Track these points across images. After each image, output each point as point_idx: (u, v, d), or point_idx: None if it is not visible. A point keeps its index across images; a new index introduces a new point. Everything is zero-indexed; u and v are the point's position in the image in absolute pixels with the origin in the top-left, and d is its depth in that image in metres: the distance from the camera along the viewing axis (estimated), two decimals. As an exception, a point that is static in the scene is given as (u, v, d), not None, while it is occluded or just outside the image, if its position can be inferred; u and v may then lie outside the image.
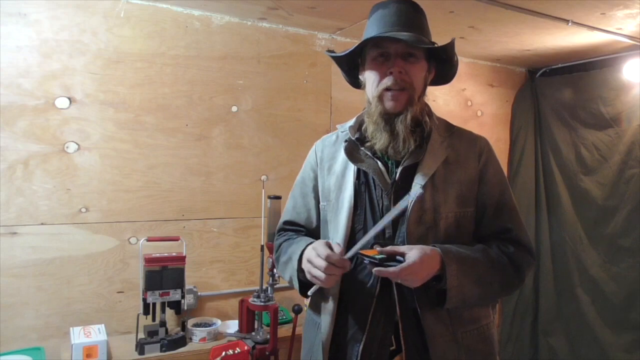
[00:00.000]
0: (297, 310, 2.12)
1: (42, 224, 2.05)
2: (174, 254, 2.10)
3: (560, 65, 3.29)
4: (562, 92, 3.28)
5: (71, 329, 1.96)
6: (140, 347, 1.96)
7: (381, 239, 1.25)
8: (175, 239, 2.19)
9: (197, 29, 2.36)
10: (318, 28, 2.63)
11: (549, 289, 3.33)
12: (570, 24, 2.36)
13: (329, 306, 1.28)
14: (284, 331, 2.17)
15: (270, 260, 2.03)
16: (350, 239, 1.26)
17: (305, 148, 2.72)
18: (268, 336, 1.98)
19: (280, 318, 2.20)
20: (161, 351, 1.98)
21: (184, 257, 2.10)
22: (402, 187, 1.24)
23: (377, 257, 1.13)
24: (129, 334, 2.12)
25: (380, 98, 1.25)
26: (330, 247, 1.19)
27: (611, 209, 3.01)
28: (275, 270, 2.01)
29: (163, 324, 2.04)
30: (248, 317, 2.09)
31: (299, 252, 1.28)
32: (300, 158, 2.60)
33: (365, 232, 1.24)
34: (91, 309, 2.14)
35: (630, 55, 2.84)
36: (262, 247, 2.12)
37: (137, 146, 2.23)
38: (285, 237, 1.44)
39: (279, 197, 2.08)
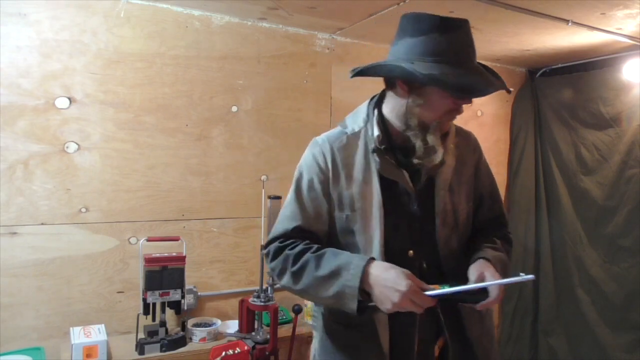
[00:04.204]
0: (297, 310, 2.12)
1: (42, 224, 2.05)
2: (174, 254, 2.10)
3: (560, 65, 3.29)
4: (562, 92, 3.28)
5: (71, 328, 1.96)
6: (140, 347, 1.96)
7: (411, 243, 1.29)
8: (175, 239, 2.19)
9: (197, 29, 2.36)
10: (318, 28, 2.63)
11: (549, 289, 3.33)
12: (570, 24, 2.36)
13: (382, 317, 1.27)
14: (284, 331, 2.18)
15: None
16: (385, 250, 1.26)
17: (305, 148, 2.72)
18: (268, 336, 1.98)
19: (280, 318, 2.21)
20: (161, 351, 1.98)
21: (184, 257, 2.10)
22: (425, 193, 1.30)
23: (462, 289, 1.15)
24: (129, 334, 2.12)
25: (444, 118, 1.28)
26: (413, 278, 1.15)
27: (611, 209, 3.01)
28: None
29: (163, 324, 2.04)
30: (248, 317, 2.09)
31: (358, 271, 1.16)
32: (300, 158, 2.63)
33: (397, 241, 1.27)
34: (91, 309, 2.14)
35: (630, 55, 2.84)
36: (262, 247, 2.12)
37: (137, 146, 2.23)
38: (304, 247, 1.27)
39: (278, 197, 2.08)
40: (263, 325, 2.09)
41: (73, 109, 2.10)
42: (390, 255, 1.25)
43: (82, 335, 1.90)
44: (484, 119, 3.35)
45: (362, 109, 1.38)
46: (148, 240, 2.12)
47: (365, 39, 2.81)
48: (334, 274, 1.19)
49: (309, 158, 1.37)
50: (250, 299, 2.03)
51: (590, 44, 2.77)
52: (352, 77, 1.30)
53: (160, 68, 2.27)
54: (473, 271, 1.22)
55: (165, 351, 1.98)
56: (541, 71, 3.43)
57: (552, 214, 3.35)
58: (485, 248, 1.31)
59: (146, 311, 2.01)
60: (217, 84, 2.41)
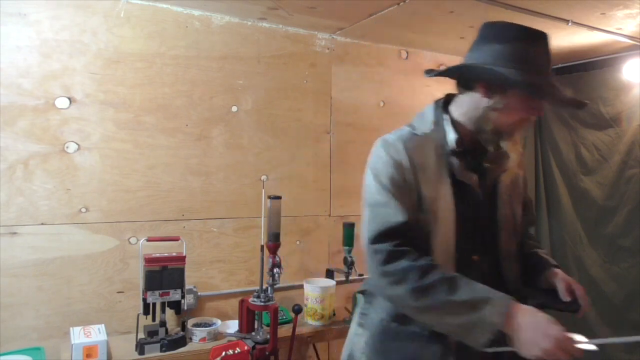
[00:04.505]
0: (297, 310, 2.12)
1: (42, 224, 2.05)
2: (174, 254, 2.10)
3: (560, 65, 3.29)
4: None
5: (71, 328, 1.96)
6: (140, 347, 1.96)
7: (476, 248, 1.31)
8: (175, 239, 2.19)
9: (197, 29, 2.36)
10: (318, 28, 2.63)
11: (549, 289, 3.33)
12: (570, 24, 2.36)
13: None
14: (284, 331, 2.17)
15: (270, 260, 2.03)
16: (457, 255, 1.27)
17: (305, 148, 2.72)
18: (268, 336, 1.98)
19: (280, 318, 2.20)
20: (161, 351, 1.98)
21: (184, 257, 2.10)
22: (488, 198, 1.35)
23: (610, 342, 1.23)
24: (129, 334, 2.12)
25: (518, 125, 1.30)
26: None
27: (611, 209, 3.01)
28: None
29: (163, 324, 2.04)
30: (248, 317, 2.09)
31: (502, 310, 1.12)
32: (300, 158, 2.64)
33: (464, 245, 1.28)
34: (91, 309, 2.14)
35: (630, 55, 2.84)
36: (262, 247, 2.12)
37: (137, 146, 2.23)
38: (427, 262, 1.20)
39: (279, 197, 2.08)
40: (263, 325, 2.09)
41: (73, 109, 2.10)
42: (457, 260, 1.26)
43: (82, 335, 1.89)
44: (484, 119, 3.35)
45: (429, 111, 1.38)
46: (148, 240, 2.12)
47: (366, 39, 2.81)
48: (473, 305, 1.14)
49: (385, 157, 1.31)
50: (250, 299, 2.03)
51: (590, 44, 2.77)
52: (432, 76, 1.35)
53: (160, 68, 2.27)
54: (558, 281, 1.32)
55: (165, 351, 1.98)
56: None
57: (552, 214, 3.35)
58: (542, 254, 1.43)
59: (146, 311, 2.01)
60: (217, 84, 2.41)
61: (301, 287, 2.44)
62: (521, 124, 1.29)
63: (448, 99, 1.39)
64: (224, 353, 1.85)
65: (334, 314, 2.41)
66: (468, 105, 1.31)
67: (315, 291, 2.34)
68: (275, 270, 2.02)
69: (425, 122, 1.36)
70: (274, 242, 2.06)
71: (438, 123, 1.34)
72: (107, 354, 1.89)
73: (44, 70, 2.04)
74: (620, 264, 2.97)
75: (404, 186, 1.27)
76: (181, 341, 2.05)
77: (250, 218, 2.48)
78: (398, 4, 2.15)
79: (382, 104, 2.91)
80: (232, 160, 2.46)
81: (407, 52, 3.00)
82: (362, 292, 1.45)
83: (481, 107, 1.28)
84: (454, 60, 3.19)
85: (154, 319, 2.04)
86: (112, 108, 2.18)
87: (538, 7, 2.19)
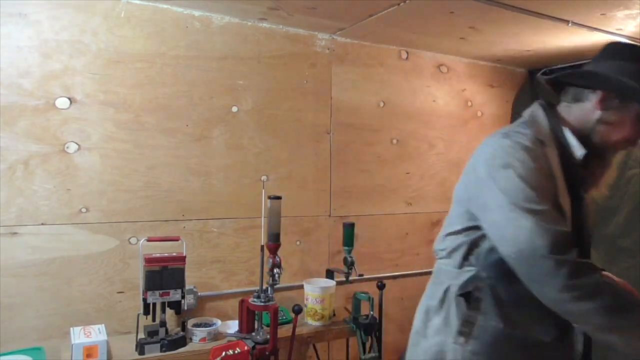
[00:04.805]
0: (297, 310, 2.12)
1: (42, 224, 2.05)
2: (174, 254, 2.10)
3: (560, 66, 3.28)
4: (562, 93, 3.28)
5: (71, 329, 1.96)
6: (141, 347, 1.96)
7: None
8: (176, 239, 2.19)
9: (197, 29, 2.36)
10: (318, 28, 2.63)
11: (549, 289, 3.33)
12: (570, 24, 2.36)
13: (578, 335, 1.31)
14: (284, 331, 2.18)
15: (270, 260, 2.03)
16: None
17: (305, 148, 2.72)
18: (268, 336, 1.98)
19: (280, 318, 2.20)
20: (161, 351, 1.98)
21: (184, 257, 2.10)
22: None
23: None
24: (129, 334, 2.12)
25: (623, 143, 1.31)
26: None
27: (611, 209, 3.01)
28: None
29: (163, 324, 2.04)
30: (248, 317, 2.09)
31: None
32: (300, 158, 2.64)
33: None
34: (91, 309, 2.14)
35: (630, 56, 2.84)
36: (262, 247, 2.12)
37: (138, 146, 2.23)
38: (614, 283, 1.21)
39: (279, 198, 2.08)
40: (263, 326, 2.09)
41: (73, 109, 2.10)
42: None
43: (82, 335, 1.89)
44: (484, 120, 3.35)
45: (541, 117, 1.35)
46: (148, 240, 2.12)
47: (366, 39, 2.81)
48: None
49: (531, 163, 1.23)
50: (250, 299, 2.03)
51: (591, 45, 2.77)
52: (549, 78, 1.34)
53: (160, 68, 2.27)
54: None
55: (165, 351, 1.98)
56: (541, 72, 3.42)
57: (552, 214, 3.34)
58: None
59: (146, 311, 2.01)
60: (217, 84, 2.41)
61: (301, 287, 2.44)
62: (626, 142, 1.29)
63: (549, 106, 1.37)
64: (224, 353, 1.85)
65: (334, 314, 2.41)
66: (577, 115, 1.30)
67: (315, 291, 2.34)
68: (275, 270, 2.02)
69: (541, 129, 1.32)
70: (274, 242, 2.06)
71: (556, 132, 1.32)
72: (107, 354, 1.89)
73: (44, 71, 2.04)
74: (620, 264, 2.96)
75: (555, 195, 1.23)
76: (181, 341, 2.05)
77: (251, 218, 2.49)
78: (398, 4, 2.15)
79: (382, 104, 2.91)
80: (232, 160, 2.46)
81: (407, 53, 3.00)
82: (464, 296, 1.34)
83: (593, 119, 1.27)
84: (454, 60, 3.20)
85: (154, 319, 2.04)
86: (112, 108, 2.18)
87: (538, 8, 2.19)
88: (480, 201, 1.29)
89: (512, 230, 1.17)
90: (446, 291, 1.37)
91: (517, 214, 1.17)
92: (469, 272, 1.33)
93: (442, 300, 1.37)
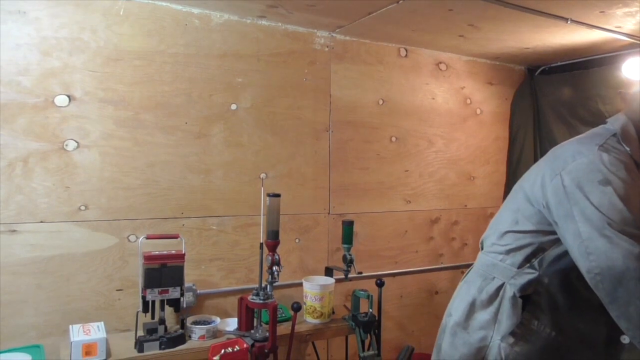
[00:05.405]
0: (296, 308, 2.13)
1: (41, 221, 2.05)
2: (173, 251, 2.10)
3: (559, 64, 3.29)
4: (561, 90, 3.28)
5: (70, 326, 1.96)
6: (140, 345, 1.97)
7: None
8: (175, 237, 2.19)
9: (196, 27, 2.36)
10: (317, 26, 2.63)
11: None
12: (569, 22, 2.37)
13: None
14: (283, 329, 2.18)
15: (269, 258, 2.03)
16: None
17: (304, 146, 2.72)
18: (267, 334, 1.98)
19: (279, 316, 2.21)
20: (160, 349, 1.98)
21: (183, 254, 2.10)
22: None
23: None
24: (128, 331, 2.12)
25: None
26: None
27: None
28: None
29: (162, 321, 2.05)
30: (247, 315, 2.10)
31: None
32: (300, 156, 2.65)
33: None
34: (90, 307, 2.14)
35: (629, 54, 2.84)
36: (261, 244, 2.12)
37: (137, 144, 2.23)
38: None
39: (278, 195, 2.08)
40: (262, 323, 2.09)
41: (72, 107, 2.10)
42: None
43: (81, 333, 1.90)
44: (483, 117, 3.36)
45: (633, 133, 1.35)
46: (147, 238, 2.12)
47: (365, 37, 2.81)
48: None
49: (620, 160, 1.25)
50: (250, 297, 2.03)
51: (590, 42, 2.77)
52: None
53: (159, 66, 2.27)
54: None
55: (164, 349, 1.98)
56: (540, 69, 3.43)
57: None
58: None
59: (145, 309, 2.01)
60: (216, 82, 2.41)
61: (300, 284, 2.45)
62: None
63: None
64: (223, 351, 1.85)
65: (333, 312, 2.42)
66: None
67: (314, 289, 2.35)
68: (275, 268, 2.02)
69: (635, 148, 1.32)
70: (273, 239, 2.06)
71: (623, 142, 1.33)
72: (107, 351, 1.90)
73: (43, 68, 2.04)
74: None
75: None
76: (180, 339, 2.06)
77: (250, 216, 2.49)
78: (397, 2, 2.15)
79: (381, 102, 2.91)
80: (232, 158, 2.46)
81: (407, 50, 3.00)
82: (524, 298, 1.33)
83: None
84: (454, 58, 3.20)
85: (153, 317, 2.04)
86: (111, 106, 2.18)
87: (537, 5, 2.19)
88: (562, 209, 1.26)
89: (604, 248, 1.16)
90: (499, 288, 1.36)
91: (612, 233, 1.16)
92: (529, 274, 1.32)
93: (493, 297, 1.36)
